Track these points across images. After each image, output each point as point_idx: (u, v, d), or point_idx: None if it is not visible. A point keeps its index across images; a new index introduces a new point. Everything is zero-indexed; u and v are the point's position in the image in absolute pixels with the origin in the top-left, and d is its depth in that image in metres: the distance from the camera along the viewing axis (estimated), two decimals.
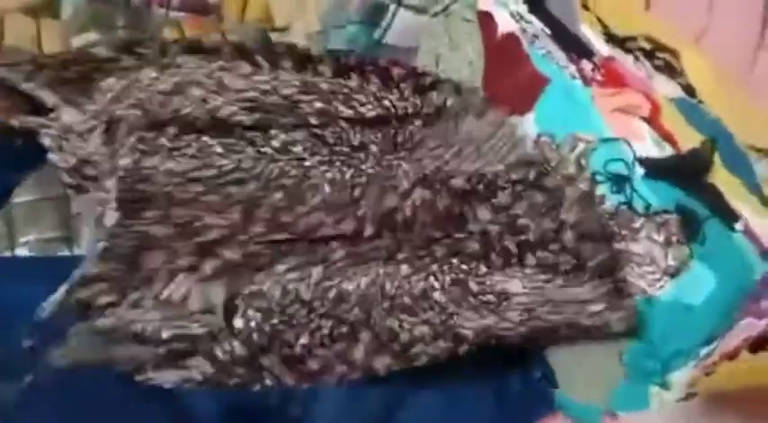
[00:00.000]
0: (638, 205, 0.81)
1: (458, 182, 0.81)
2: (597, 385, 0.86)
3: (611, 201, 0.82)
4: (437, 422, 0.82)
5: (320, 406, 0.76)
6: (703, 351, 0.81)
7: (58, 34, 1.80)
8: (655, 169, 0.79)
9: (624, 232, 0.80)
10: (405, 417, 0.79)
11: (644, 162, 0.80)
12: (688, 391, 0.89)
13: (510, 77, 0.95)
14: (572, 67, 0.93)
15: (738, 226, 0.77)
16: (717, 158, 0.82)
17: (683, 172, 0.79)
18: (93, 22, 1.78)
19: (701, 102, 0.92)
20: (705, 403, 0.86)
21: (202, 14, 1.96)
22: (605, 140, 0.84)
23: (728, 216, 0.77)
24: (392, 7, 1.33)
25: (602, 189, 0.83)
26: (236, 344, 0.70)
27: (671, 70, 0.97)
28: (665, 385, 0.83)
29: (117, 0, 1.87)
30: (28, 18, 1.83)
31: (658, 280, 0.79)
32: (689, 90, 0.94)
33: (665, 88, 0.95)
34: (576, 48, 0.97)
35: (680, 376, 0.84)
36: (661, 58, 0.99)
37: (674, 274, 0.78)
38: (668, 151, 0.84)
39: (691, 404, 0.92)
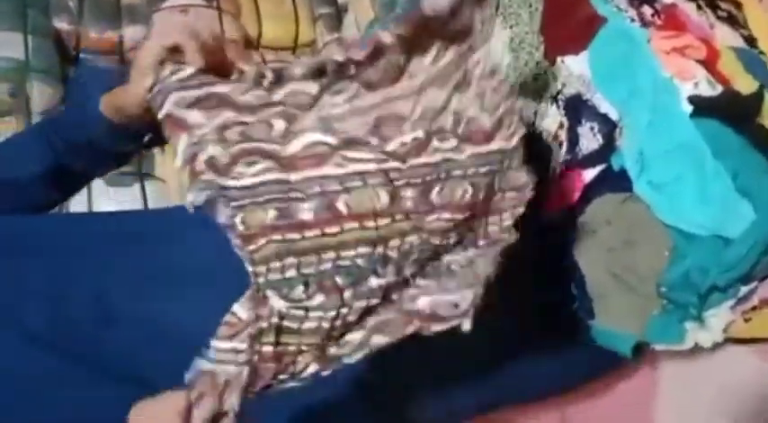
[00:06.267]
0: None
1: None
2: (634, 314, 0.86)
3: None
4: None
5: None
6: (742, 290, 0.81)
7: None
8: (704, 107, 0.79)
9: None
10: None
11: (693, 100, 0.80)
12: (724, 335, 0.88)
13: (568, 18, 0.95)
14: (632, 11, 0.93)
15: None
16: None
17: (733, 111, 0.78)
18: None
19: (761, 53, 0.91)
20: None
21: None
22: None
23: None
24: None
25: None
26: None
27: (733, 21, 0.96)
28: (701, 320, 0.83)
29: None
30: None
31: None
32: (750, 41, 0.93)
33: (727, 37, 0.94)
34: None
35: (717, 317, 0.84)
36: (725, 9, 0.98)
37: None
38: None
39: None
